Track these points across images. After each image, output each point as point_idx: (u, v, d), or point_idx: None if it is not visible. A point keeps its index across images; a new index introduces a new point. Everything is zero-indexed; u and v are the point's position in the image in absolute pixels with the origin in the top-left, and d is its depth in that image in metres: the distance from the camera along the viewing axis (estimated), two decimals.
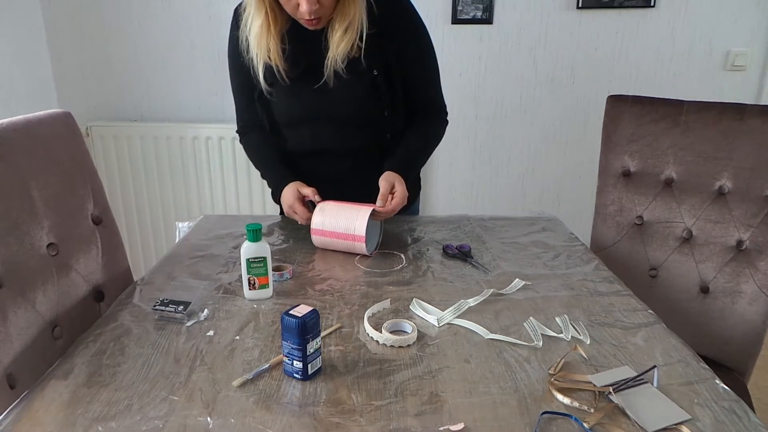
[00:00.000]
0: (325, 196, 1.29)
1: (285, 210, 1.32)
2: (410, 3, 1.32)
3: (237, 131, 1.48)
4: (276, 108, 1.37)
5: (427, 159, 1.46)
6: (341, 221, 1.23)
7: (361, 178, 1.33)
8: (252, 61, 1.29)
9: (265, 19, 1.22)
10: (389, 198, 1.24)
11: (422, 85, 1.39)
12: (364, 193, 1.27)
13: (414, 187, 1.55)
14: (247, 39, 1.27)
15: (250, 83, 1.35)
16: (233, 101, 1.45)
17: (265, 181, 1.43)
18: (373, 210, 1.22)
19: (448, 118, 1.44)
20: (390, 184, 1.25)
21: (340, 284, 1.13)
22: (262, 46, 1.25)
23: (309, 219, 1.27)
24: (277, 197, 1.36)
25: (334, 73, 1.26)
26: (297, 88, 1.30)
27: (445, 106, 1.44)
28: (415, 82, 1.36)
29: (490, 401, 0.77)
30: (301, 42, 1.27)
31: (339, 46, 1.22)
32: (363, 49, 1.24)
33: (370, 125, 1.35)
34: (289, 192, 1.30)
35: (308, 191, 1.28)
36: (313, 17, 1.17)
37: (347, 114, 1.33)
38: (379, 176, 1.27)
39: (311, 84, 1.29)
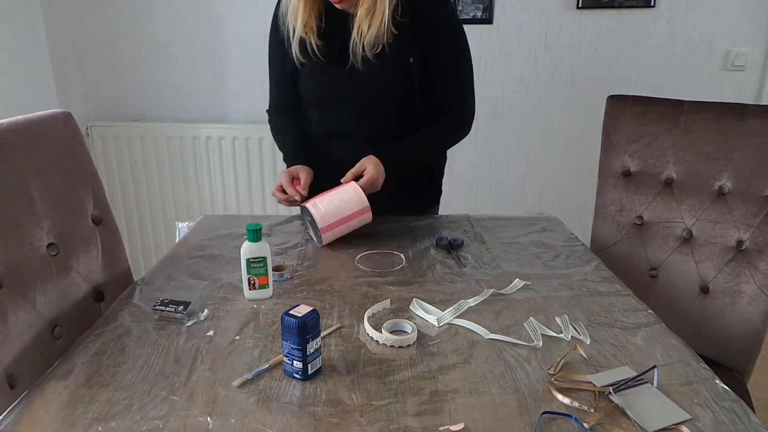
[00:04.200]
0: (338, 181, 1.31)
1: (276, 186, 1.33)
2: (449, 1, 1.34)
3: (267, 110, 1.51)
4: (305, 85, 1.38)
5: (430, 159, 1.46)
6: (343, 206, 1.25)
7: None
8: (287, 33, 1.31)
9: None
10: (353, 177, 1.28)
11: (451, 83, 1.37)
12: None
13: (434, 192, 1.55)
14: (284, 13, 1.31)
15: (284, 59, 1.36)
16: (267, 80, 1.47)
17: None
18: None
19: (472, 126, 1.42)
20: (363, 166, 1.28)
21: (340, 284, 1.13)
22: (298, 19, 1.27)
23: (285, 201, 1.30)
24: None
25: (361, 58, 1.27)
26: (328, 66, 1.32)
27: (471, 113, 1.42)
28: (444, 77, 1.35)
29: (490, 401, 0.77)
30: (337, 22, 1.28)
31: (363, 30, 1.23)
32: (398, 35, 1.25)
33: (398, 112, 1.36)
34: (287, 172, 1.32)
35: (303, 179, 1.30)
36: None
37: (375, 98, 1.34)
38: None
39: (342, 64, 1.29)
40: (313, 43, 1.29)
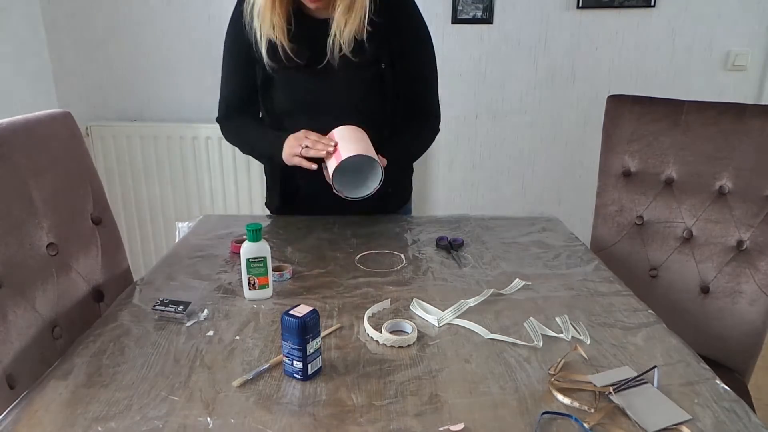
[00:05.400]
0: (317, 190, 1.27)
1: (293, 148, 1.22)
2: (414, 7, 1.32)
3: (217, 118, 1.43)
4: (276, 92, 1.34)
5: (412, 159, 1.46)
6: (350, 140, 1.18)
7: None
8: (255, 36, 1.25)
9: None
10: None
11: (419, 86, 1.38)
12: None
13: (406, 190, 1.55)
14: (251, 14, 1.24)
15: (246, 65, 1.32)
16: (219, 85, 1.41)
17: (265, 184, 1.41)
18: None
19: (440, 126, 1.43)
20: None
21: (340, 284, 1.13)
22: (266, 21, 1.21)
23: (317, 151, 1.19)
24: (279, 150, 1.27)
25: (339, 58, 1.24)
26: (300, 71, 1.28)
27: (439, 114, 1.42)
28: (413, 80, 1.35)
29: (490, 401, 0.77)
30: (307, 24, 1.26)
31: (342, 26, 1.21)
32: (369, 39, 1.23)
33: (370, 119, 1.32)
34: (294, 134, 1.25)
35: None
36: None
37: (349, 103, 1.31)
38: None
39: (315, 68, 1.27)
40: (285, 46, 1.24)
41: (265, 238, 1.35)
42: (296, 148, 1.22)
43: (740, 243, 1.34)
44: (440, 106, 1.42)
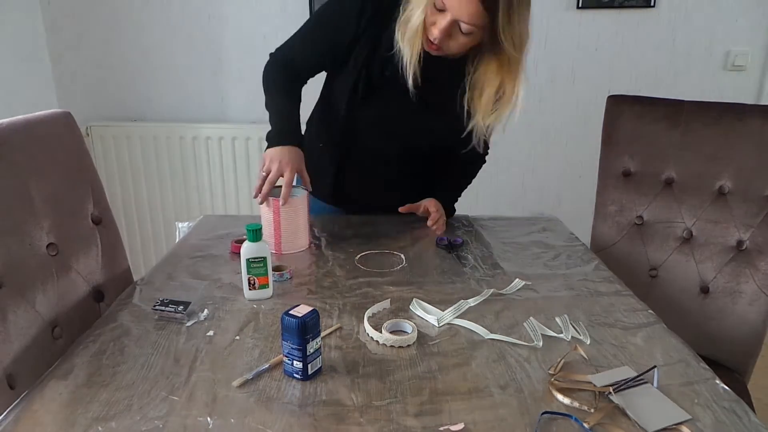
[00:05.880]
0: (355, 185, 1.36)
1: (283, 166, 1.20)
2: None
3: (271, 53, 1.36)
4: (336, 87, 1.31)
5: (459, 195, 1.56)
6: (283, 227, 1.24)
7: (390, 197, 1.41)
8: (401, 52, 1.19)
9: (422, 15, 1.13)
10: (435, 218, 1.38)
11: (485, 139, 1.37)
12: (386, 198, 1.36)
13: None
14: (403, 31, 1.18)
15: (331, 49, 1.27)
16: (293, 36, 1.33)
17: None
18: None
19: (487, 157, 1.50)
20: (439, 212, 1.39)
21: (340, 284, 1.13)
22: (414, 46, 1.17)
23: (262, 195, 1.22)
24: (280, 141, 1.25)
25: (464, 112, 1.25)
26: (408, 100, 1.24)
27: (488, 145, 1.46)
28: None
29: (490, 401, 0.77)
30: (441, 62, 1.21)
31: (485, 112, 1.24)
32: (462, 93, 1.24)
33: (430, 161, 1.42)
34: (300, 156, 1.24)
35: (306, 178, 1.26)
36: (437, 42, 1.13)
37: (434, 146, 1.38)
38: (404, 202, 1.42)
39: (436, 106, 1.27)
40: (418, 75, 1.19)
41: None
42: (266, 161, 1.23)
43: (740, 243, 1.34)
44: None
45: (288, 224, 1.24)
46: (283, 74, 1.34)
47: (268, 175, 1.21)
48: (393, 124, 1.33)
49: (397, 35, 1.20)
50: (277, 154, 1.22)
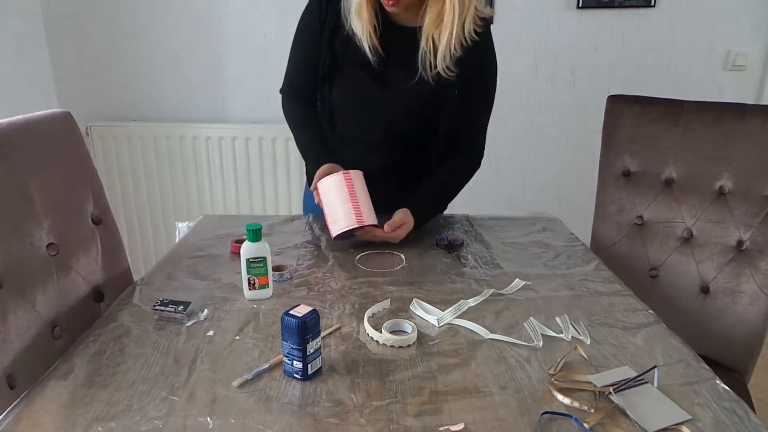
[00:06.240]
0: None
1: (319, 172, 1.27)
2: (493, 47, 1.32)
3: (280, 90, 1.44)
4: (334, 85, 1.32)
5: (447, 202, 1.50)
6: (336, 206, 1.23)
7: (386, 186, 1.33)
8: (354, 31, 1.24)
9: None
10: (393, 229, 1.27)
11: (471, 122, 1.37)
12: (379, 196, 1.28)
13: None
14: (348, 8, 1.23)
15: (318, 48, 1.30)
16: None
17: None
18: (363, 226, 1.23)
19: (482, 162, 1.44)
20: (402, 221, 1.27)
21: (340, 284, 1.13)
22: (363, 19, 1.21)
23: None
24: (314, 169, 1.31)
25: (431, 72, 1.24)
26: (364, 69, 1.27)
27: (482, 149, 1.43)
28: (468, 111, 1.34)
29: (490, 401, 0.77)
30: (396, 29, 1.25)
31: (433, 43, 1.21)
32: (453, 64, 1.23)
33: (416, 136, 1.36)
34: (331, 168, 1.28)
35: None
36: None
37: (400, 114, 1.32)
38: (400, 192, 1.33)
39: (378, 70, 1.27)
40: (377, 46, 1.24)
41: (266, 233, 1.35)
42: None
43: (740, 243, 1.34)
44: (485, 143, 1.43)
45: (362, 195, 1.24)
46: (294, 105, 1.42)
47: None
48: (365, 103, 1.33)
49: (344, 11, 1.24)
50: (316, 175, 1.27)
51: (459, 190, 1.45)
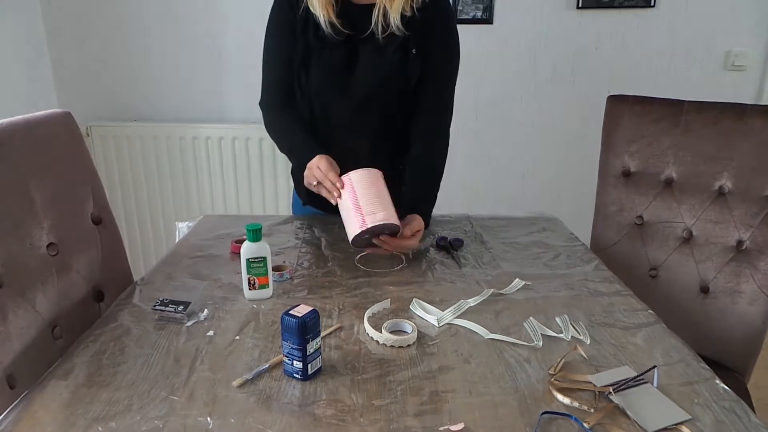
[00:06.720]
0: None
1: (315, 173, 1.22)
2: (448, 2, 1.33)
3: (259, 103, 1.41)
4: (310, 70, 1.33)
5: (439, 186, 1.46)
6: (372, 199, 1.15)
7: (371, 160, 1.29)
8: (311, 10, 1.25)
9: None
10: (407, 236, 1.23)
11: (441, 79, 1.36)
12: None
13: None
14: None
15: (292, 46, 1.31)
16: (262, 73, 1.38)
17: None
18: (387, 233, 1.18)
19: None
20: (419, 227, 1.24)
21: (340, 284, 1.13)
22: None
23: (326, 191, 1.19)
24: (304, 163, 1.26)
25: (383, 38, 1.25)
26: (335, 48, 1.28)
27: (452, 108, 1.39)
28: (436, 73, 1.34)
29: (490, 401, 0.77)
30: (357, 9, 1.26)
31: (388, 5, 1.22)
32: (405, 25, 1.24)
33: (392, 105, 1.34)
34: (328, 160, 1.23)
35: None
36: None
37: (374, 86, 1.31)
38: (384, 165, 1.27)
39: (348, 46, 1.28)
40: (326, 22, 1.25)
41: (266, 233, 1.35)
42: (310, 178, 1.23)
43: (740, 243, 1.34)
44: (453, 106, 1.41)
45: (366, 192, 1.16)
46: (274, 113, 1.39)
47: (317, 183, 1.21)
48: (341, 82, 1.32)
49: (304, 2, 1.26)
50: (308, 168, 1.23)
51: (443, 168, 1.43)
